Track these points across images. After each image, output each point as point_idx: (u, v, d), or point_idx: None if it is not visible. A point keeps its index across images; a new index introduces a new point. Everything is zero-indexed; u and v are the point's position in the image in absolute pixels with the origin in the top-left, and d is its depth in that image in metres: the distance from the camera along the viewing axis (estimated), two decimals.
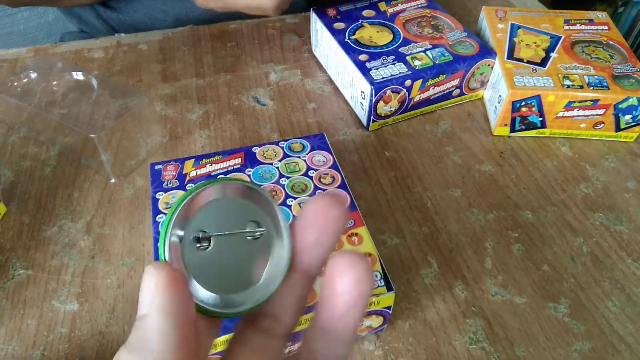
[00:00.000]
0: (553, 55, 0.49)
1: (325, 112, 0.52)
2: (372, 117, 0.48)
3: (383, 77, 0.46)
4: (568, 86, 0.46)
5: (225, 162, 0.39)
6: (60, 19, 0.92)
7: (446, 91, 0.50)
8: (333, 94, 0.54)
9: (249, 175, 0.38)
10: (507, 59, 0.49)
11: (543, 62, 0.48)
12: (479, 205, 0.43)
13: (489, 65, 0.50)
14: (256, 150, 0.40)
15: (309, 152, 0.40)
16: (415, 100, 0.49)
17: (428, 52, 0.49)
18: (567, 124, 0.48)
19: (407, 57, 0.48)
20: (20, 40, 0.92)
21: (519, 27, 0.53)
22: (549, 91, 0.46)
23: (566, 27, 0.53)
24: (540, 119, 0.48)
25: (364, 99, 0.47)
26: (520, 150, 0.49)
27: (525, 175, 0.46)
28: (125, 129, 0.49)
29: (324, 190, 0.37)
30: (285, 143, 0.41)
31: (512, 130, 0.49)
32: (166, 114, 0.51)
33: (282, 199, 0.36)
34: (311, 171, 0.38)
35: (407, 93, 0.47)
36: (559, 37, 0.52)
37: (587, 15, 0.55)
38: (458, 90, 0.51)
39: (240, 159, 0.39)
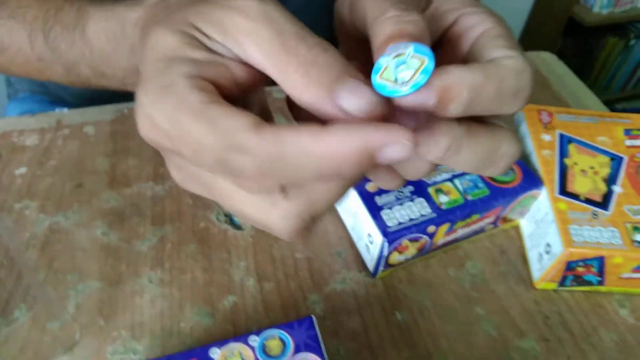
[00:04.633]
0: (617, 189, 0.38)
1: (318, 242, 0.40)
2: (380, 267, 0.36)
3: (399, 223, 0.34)
4: None
5: None
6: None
7: (477, 229, 0.39)
8: (329, 214, 0.42)
9: None
10: (559, 194, 0.38)
11: (605, 202, 0.37)
12: None
13: (533, 197, 0.39)
14: (215, 355, 0.28)
15: (292, 356, 0.28)
16: (437, 244, 0.37)
17: (456, 182, 0.37)
18: (631, 283, 0.37)
19: (430, 190, 0.37)
20: None
21: (570, 141, 0.41)
22: (616, 252, 0.34)
23: (628, 143, 0.42)
24: (599, 278, 0.36)
25: (371, 243, 0.36)
26: (570, 315, 0.37)
27: (578, 357, 0.35)
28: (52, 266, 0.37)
29: None
30: (258, 339, 0.29)
31: (561, 285, 0.38)
32: (108, 241, 0.39)
33: None
34: None
35: (429, 239, 0.36)
36: (621, 159, 0.40)
37: None
38: (491, 225, 0.40)
39: None
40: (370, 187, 0.37)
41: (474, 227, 0.38)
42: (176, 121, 0.17)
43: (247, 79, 0.20)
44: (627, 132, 0.43)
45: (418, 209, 0.35)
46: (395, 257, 0.36)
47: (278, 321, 0.35)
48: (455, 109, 0.19)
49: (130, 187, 0.42)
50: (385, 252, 0.34)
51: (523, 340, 0.35)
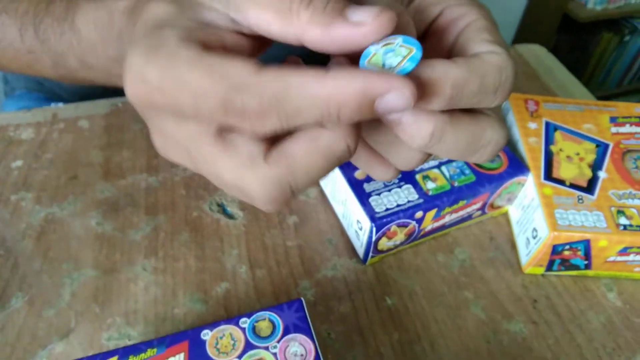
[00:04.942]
0: (602, 175, 0.39)
1: (309, 230, 0.41)
2: (370, 253, 0.37)
3: (387, 209, 0.35)
4: (625, 227, 0.35)
5: None
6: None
7: (465, 215, 0.39)
8: (320, 203, 0.43)
9: None
10: (544, 179, 0.38)
11: (590, 186, 0.38)
12: None
13: (519, 183, 0.39)
14: (207, 336, 0.28)
15: (281, 337, 0.29)
16: (426, 230, 0.38)
17: (443, 169, 0.38)
18: (617, 267, 0.37)
19: (417, 176, 0.37)
20: None
21: (556, 129, 0.42)
22: (601, 235, 0.35)
23: (613, 130, 0.42)
24: (586, 262, 0.37)
25: (360, 229, 0.36)
26: (558, 298, 0.38)
27: (566, 339, 0.36)
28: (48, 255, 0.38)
29: None
30: (249, 321, 0.29)
31: (548, 269, 0.38)
32: (103, 231, 0.40)
33: None
34: None
35: (417, 225, 0.36)
36: (607, 145, 0.41)
37: (636, 111, 0.44)
38: (479, 212, 0.40)
39: (183, 354, 0.28)
40: (358, 174, 0.37)
41: (462, 213, 0.38)
42: (171, 74, 0.18)
43: (234, 46, 0.20)
44: (613, 120, 0.43)
45: (405, 195, 0.36)
46: (385, 243, 0.36)
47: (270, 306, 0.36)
48: (438, 103, 0.20)
49: (124, 179, 0.43)
50: (374, 238, 0.35)
51: (511, 323, 0.36)
